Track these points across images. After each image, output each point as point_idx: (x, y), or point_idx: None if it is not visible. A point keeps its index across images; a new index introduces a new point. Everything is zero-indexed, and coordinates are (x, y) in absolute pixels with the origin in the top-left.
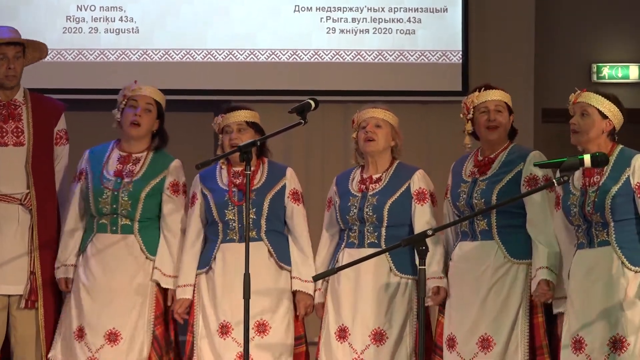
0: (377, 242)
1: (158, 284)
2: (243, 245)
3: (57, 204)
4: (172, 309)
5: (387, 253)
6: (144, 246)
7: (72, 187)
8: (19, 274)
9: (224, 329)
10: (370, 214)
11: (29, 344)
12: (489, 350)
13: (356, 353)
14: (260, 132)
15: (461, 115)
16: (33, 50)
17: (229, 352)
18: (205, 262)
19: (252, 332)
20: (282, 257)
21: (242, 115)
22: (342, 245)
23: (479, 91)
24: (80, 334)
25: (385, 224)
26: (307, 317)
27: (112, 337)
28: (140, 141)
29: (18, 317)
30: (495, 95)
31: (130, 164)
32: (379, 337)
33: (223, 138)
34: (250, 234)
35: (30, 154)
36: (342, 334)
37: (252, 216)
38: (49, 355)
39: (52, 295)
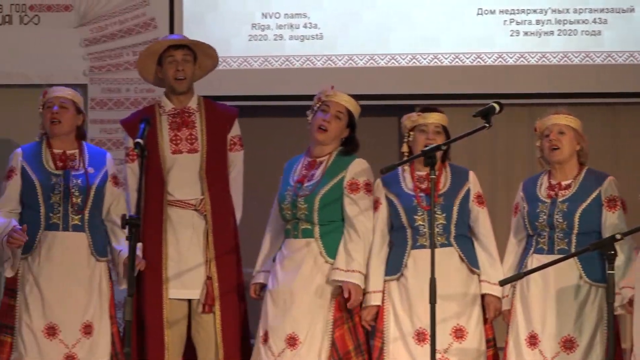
0: (567, 248)
1: (339, 286)
2: (436, 250)
3: (233, 209)
4: (350, 305)
5: (577, 260)
6: (324, 249)
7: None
8: (197, 279)
9: (421, 336)
10: (561, 220)
11: (210, 348)
12: None
13: None
14: (448, 137)
15: None
16: (204, 56)
17: (426, 359)
18: (396, 268)
19: (450, 338)
20: (472, 261)
21: (440, 118)
22: (531, 251)
23: None
24: (265, 337)
25: (575, 231)
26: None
27: (292, 342)
28: (327, 146)
29: (199, 321)
30: None
31: (314, 169)
32: (569, 344)
33: (416, 135)
34: (439, 239)
35: (204, 160)
36: (533, 340)
37: (442, 221)
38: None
39: (232, 300)
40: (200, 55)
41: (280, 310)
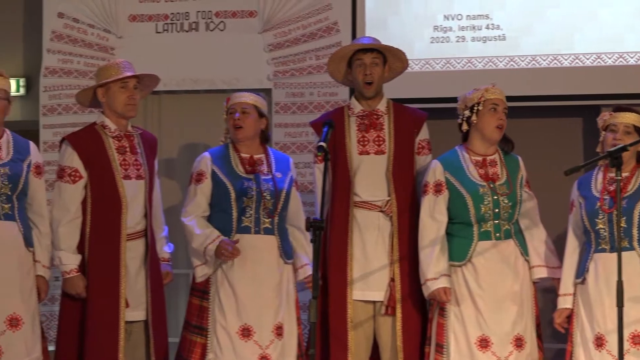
0: None
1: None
2: (615, 255)
3: (415, 212)
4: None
5: None
6: (522, 249)
7: (435, 198)
8: (381, 281)
9: (599, 341)
10: None
11: (391, 350)
12: None
13: None
14: None
15: None
16: (394, 59)
17: None
18: (580, 272)
19: (627, 344)
20: None
21: (633, 118)
22: None
23: None
24: (485, 343)
25: None
26: None
27: (519, 343)
28: (494, 144)
29: (382, 324)
30: None
31: (489, 167)
32: None
33: (606, 135)
34: (621, 243)
35: (391, 162)
36: None
37: (622, 225)
38: None
39: (413, 303)
40: (390, 58)
41: (500, 314)
